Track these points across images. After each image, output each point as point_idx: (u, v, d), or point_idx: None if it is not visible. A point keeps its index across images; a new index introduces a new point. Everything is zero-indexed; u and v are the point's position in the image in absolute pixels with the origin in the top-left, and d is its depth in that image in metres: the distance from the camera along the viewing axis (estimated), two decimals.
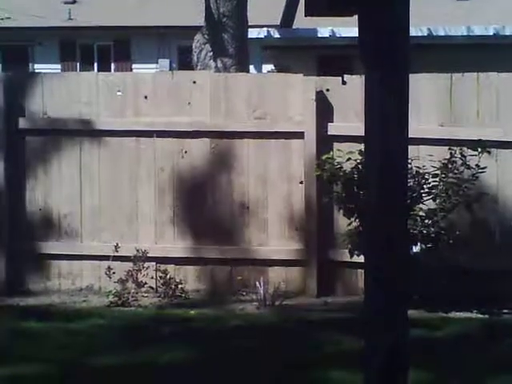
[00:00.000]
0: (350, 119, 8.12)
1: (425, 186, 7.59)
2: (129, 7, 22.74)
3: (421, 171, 7.58)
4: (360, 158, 7.43)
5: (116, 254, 8.25)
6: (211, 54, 12.11)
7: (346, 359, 6.01)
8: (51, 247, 8.51)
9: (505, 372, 5.87)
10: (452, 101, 8.06)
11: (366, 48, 3.02)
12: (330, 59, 16.67)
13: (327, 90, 8.22)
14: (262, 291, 7.96)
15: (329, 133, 8.17)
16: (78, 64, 23.04)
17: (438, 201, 7.53)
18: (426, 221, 7.43)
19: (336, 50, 16.62)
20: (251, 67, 14.20)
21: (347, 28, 15.15)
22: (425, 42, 15.72)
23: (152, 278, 8.29)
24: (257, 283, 8.15)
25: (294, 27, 18.62)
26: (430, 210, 7.47)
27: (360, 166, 7.47)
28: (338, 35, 16.83)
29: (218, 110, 8.35)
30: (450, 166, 7.63)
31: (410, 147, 3.15)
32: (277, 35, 17.34)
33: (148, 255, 8.22)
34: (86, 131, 8.45)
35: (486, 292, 7.79)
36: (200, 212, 8.38)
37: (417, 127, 7.54)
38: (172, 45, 22.17)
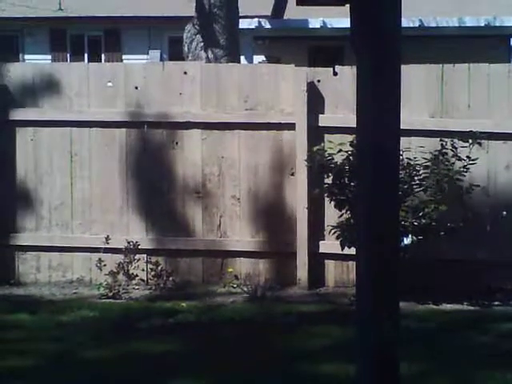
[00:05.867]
0: (341, 110, 8.10)
1: (416, 178, 7.58)
2: None
3: (412, 163, 7.58)
4: (351, 149, 7.42)
5: (107, 246, 8.23)
6: (202, 44, 12.08)
7: (337, 351, 6.01)
8: (42, 239, 8.48)
9: (493, 363, 5.87)
10: (443, 92, 8.05)
11: (357, 38, 3.00)
12: (321, 50, 16.66)
13: (318, 80, 8.20)
14: (252, 283, 7.95)
15: (320, 124, 8.15)
16: (69, 55, 22.92)
17: (428, 192, 7.52)
18: (417, 212, 7.42)
19: (327, 41, 16.60)
20: (242, 58, 14.17)
21: (338, 19, 15.12)
22: (416, 34, 15.69)
23: (143, 270, 8.27)
24: (248, 275, 8.14)
25: (285, 18, 18.57)
26: (421, 201, 7.46)
27: (351, 157, 7.45)
28: (329, 26, 16.79)
29: (209, 100, 8.32)
30: (441, 157, 7.63)
31: (401, 139, 3.13)
32: (268, 26, 17.29)
33: (139, 247, 8.20)
34: (77, 122, 8.42)
35: (477, 284, 7.80)
36: (192, 204, 8.36)
37: (408, 118, 7.53)
38: (163, 36, 22.07)
